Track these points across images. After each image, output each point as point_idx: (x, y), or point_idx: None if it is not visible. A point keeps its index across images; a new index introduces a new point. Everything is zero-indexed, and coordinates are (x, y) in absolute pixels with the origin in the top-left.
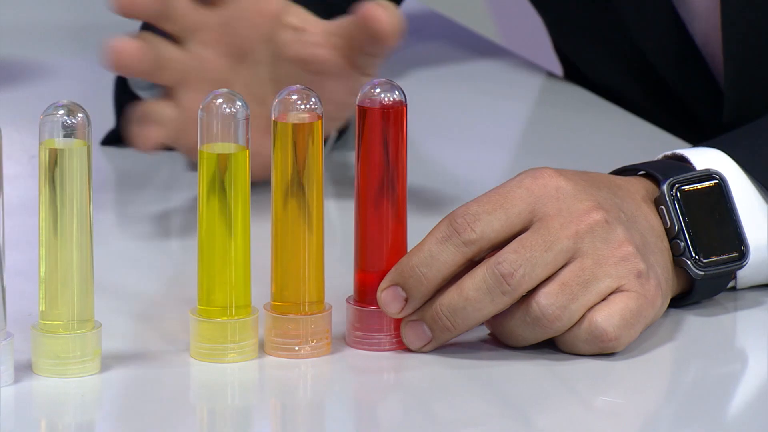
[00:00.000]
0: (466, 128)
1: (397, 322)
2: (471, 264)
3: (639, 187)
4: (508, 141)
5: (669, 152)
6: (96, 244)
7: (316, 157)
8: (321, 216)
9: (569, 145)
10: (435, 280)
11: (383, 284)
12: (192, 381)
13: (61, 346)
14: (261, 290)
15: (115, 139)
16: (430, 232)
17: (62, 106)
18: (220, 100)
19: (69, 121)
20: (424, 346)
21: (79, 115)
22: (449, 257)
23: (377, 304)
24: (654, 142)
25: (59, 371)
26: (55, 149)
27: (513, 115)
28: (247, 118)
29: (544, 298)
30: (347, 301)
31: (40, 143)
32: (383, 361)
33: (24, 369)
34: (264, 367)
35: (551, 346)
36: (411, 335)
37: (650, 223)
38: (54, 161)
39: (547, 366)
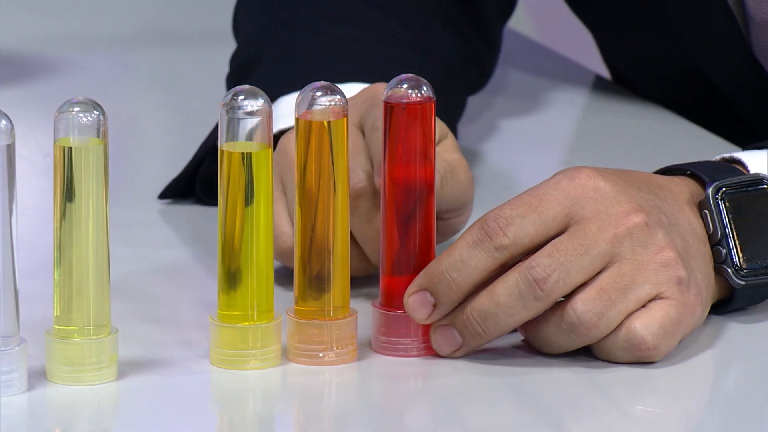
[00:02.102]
0: (513, 130)
1: (426, 327)
2: (503, 269)
3: (683, 188)
4: (556, 143)
5: (726, 155)
6: (112, 246)
7: (341, 156)
8: (346, 216)
9: (619, 149)
10: (465, 285)
11: (411, 289)
12: (212, 389)
13: (76, 353)
14: (284, 294)
15: (177, 191)
16: (461, 236)
17: (78, 103)
18: (241, 97)
19: (85, 119)
20: (455, 352)
21: (95, 112)
22: (480, 262)
23: (404, 309)
24: (708, 147)
25: (74, 378)
26: (71, 148)
27: (561, 118)
28: (269, 116)
29: (581, 305)
30: (373, 305)
31: (54, 141)
32: (411, 368)
33: (38, 376)
34: (287, 375)
35: (587, 353)
36: (441, 341)
37: (692, 226)
38: (69, 160)
39: (582, 373)
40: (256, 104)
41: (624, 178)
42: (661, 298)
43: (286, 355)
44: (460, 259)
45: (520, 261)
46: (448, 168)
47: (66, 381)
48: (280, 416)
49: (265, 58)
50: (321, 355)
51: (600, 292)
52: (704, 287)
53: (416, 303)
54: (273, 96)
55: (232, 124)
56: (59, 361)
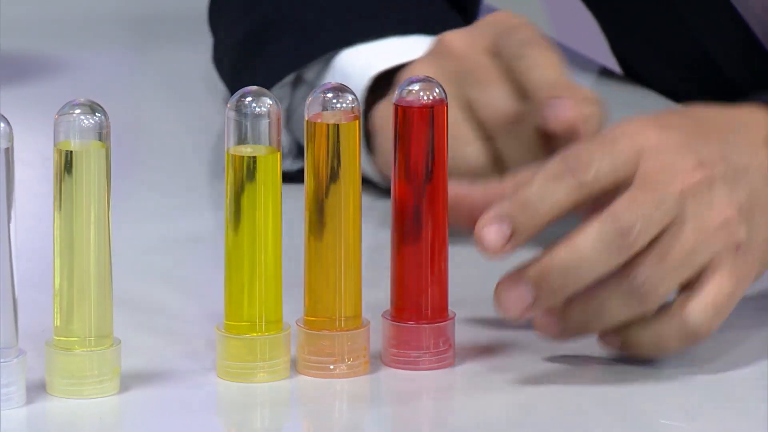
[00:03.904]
0: None
1: (437, 341)
2: (576, 209)
3: (764, 123)
4: None
5: None
6: (115, 253)
7: (353, 160)
8: (359, 222)
9: None
10: (546, 216)
11: (484, 221)
12: (218, 402)
13: (77, 365)
14: (294, 305)
15: None
16: (539, 171)
17: (79, 105)
18: (249, 98)
19: (86, 121)
20: (524, 311)
21: (97, 114)
22: (562, 196)
23: (415, 320)
24: None
25: (75, 391)
26: (71, 151)
27: None
28: (278, 118)
29: (643, 269)
30: (383, 316)
31: (54, 145)
32: (423, 382)
33: (37, 389)
34: (296, 388)
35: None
36: (511, 298)
37: (766, 172)
38: (70, 164)
39: (602, 386)
40: (264, 106)
41: (693, 127)
42: (715, 269)
43: (295, 367)
44: (542, 191)
45: (592, 208)
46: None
47: (67, 394)
48: (289, 431)
49: (290, 21)
50: (332, 367)
51: (660, 256)
52: (766, 248)
53: (492, 231)
54: (321, 51)
55: (239, 126)
56: (59, 374)
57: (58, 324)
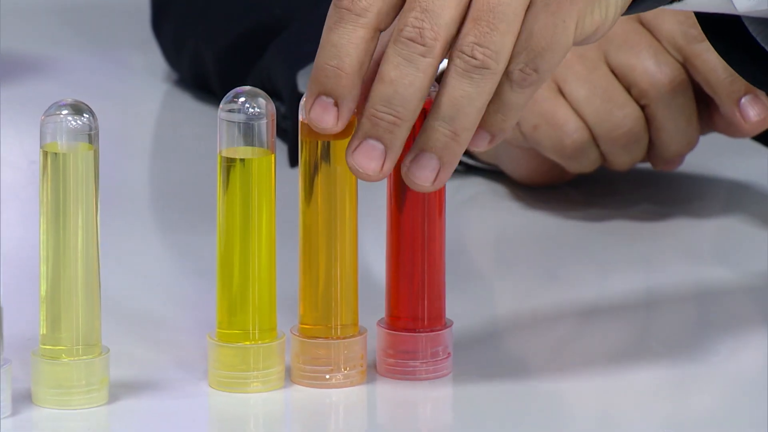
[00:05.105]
0: None
1: (434, 350)
2: (375, 42)
3: None
4: None
5: None
6: (103, 259)
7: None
8: (355, 226)
9: None
10: (351, 66)
11: (306, 103)
12: (210, 413)
13: (65, 374)
14: (288, 313)
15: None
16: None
17: (66, 106)
18: (242, 99)
19: (74, 122)
20: (382, 165)
21: (85, 115)
22: (351, 37)
23: (411, 328)
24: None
25: (62, 402)
26: (58, 153)
27: None
28: (272, 119)
29: (465, 45)
30: (378, 324)
31: (41, 147)
32: (420, 392)
33: (23, 399)
34: (291, 398)
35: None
36: (361, 158)
37: None
38: (57, 167)
39: (598, 391)
40: (258, 106)
41: None
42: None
43: (290, 376)
44: (331, 45)
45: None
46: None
47: (53, 404)
48: None
49: (306, 15)
50: (328, 377)
51: (474, 23)
52: None
53: (318, 112)
54: None
55: (232, 128)
56: (46, 384)
57: (45, 332)
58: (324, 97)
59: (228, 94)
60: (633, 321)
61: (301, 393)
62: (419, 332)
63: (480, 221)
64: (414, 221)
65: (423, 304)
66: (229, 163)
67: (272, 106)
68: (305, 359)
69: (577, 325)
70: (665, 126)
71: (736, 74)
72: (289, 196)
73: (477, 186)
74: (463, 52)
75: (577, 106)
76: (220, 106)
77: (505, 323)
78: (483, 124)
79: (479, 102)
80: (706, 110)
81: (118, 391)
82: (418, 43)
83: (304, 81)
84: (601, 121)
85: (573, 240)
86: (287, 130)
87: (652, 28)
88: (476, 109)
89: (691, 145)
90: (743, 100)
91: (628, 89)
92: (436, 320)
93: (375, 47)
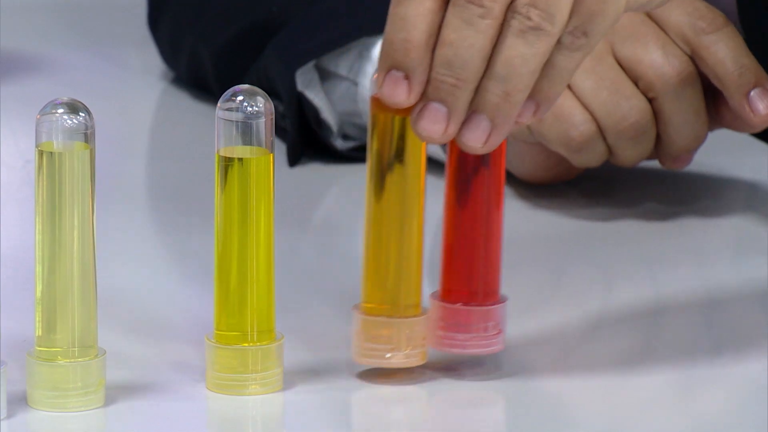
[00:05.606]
0: None
1: (488, 321)
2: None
3: None
4: None
5: None
6: (99, 260)
7: (418, 140)
8: (422, 202)
9: None
10: (420, 39)
11: (378, 80)
12: (209, 416)
13: (61, 376)
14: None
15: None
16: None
17: (62, 104)
18: (240, 98)
19: (70, 121)
20: (446, 127)
21: (81, 114)
22: (418, 9)
23: (464, 301)
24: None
25: (58, 404)
26: (54, 153)
27: None
28: (271, 118)
29: (521, 4)
30: (431, 296)
31: (36, 146)
32: (424, 393)
33: (18, 401)
34: (289, 400)
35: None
36: (426, 121)
37: None
38: (52, 166)
39: (599, 392)
40: (257, 105)
41: None
42: None
43: (352, 355)
44: (397, 18)
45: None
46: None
47: (49, 407)
48: None
49: (305, 13)
50: (388, 355)
51: None
52: None
53: (390, 86)
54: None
55: (230, 127)
56: (42, 386)
57: (40, 333)
58: (394, 72)
59: (226, 93)
60: (639, 323)
61: (300, 396)
62: (472, 306)
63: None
64: (476, 196)
65: (477, 278)
66: (227, 163)
67: (271, 105)
68: (367, 337)
69: (583, 326)
70: (673, 119)
71: (745, 66)
72: (287, 196)
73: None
74: (519, 13)
75: (584, 98)
76: (218, 104)
77: (509, 324)
78: (530, 92)
79: (533, 63)
80: (714, 104)
81: (114, 393)
82: (476, 4)
83: (302, 80)
84: (608, 113)
85: (579, 240)
86: (286, 129)
87: (660, 20)
88: (530, 71)
89: (700, 139)
90: (752, 93)
91: (635, 82)
92: (490, 295)
93: (442, 17)
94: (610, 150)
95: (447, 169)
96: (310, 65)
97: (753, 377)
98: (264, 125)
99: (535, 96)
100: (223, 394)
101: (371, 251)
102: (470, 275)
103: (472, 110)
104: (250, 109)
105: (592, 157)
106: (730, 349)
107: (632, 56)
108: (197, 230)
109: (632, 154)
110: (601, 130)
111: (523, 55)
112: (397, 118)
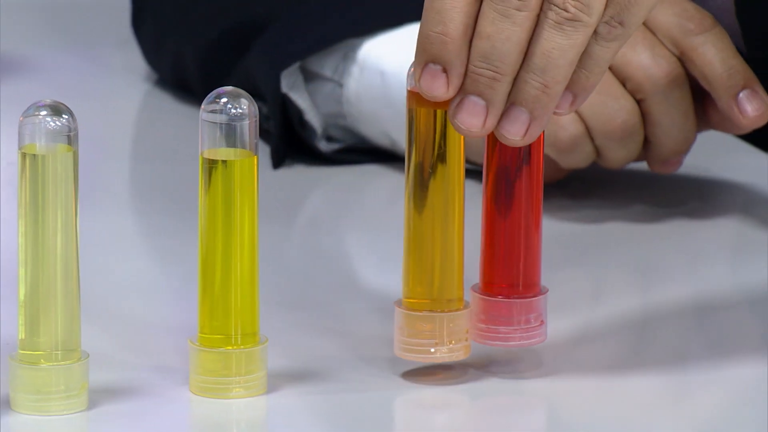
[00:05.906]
0: None
1: (526, 315)
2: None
3: None
4: None
5: None
6: (82, 263)
7: (459, 137)
8: (462, 199)
9: None
10: (456, 32)
11: (416, 74)
12: (192, 419)
13: (43, 380)
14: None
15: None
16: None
17: (45, 106)
18: (224, 99)
19: (53, 124)
20: (483, 122)
21: (64, 116)
22: (453, 2)
23: (505, 294)
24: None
25: (41, 408)
26: (37, 155)
27: None
28: (255, 120)
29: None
30: (472, 289)
31: (19, 148)
32: (427, 396)
33: (1, 405)
34: (273, 404)
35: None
36: (464, 114)
37: None
38: (35, 169)
39: (600, 392)
40: (241, 107)
41: None
42: None
43: (394, 351)
44: (432, 12)
45: None
46: None
47: (32, 410)
48: None
49: (290, 13)
50: (433, 350)
51: None
52: None
53: (428, 80)
54: (329, 41)
55: (214, 129)
56: (24, 389)
57: (23, 337)
58: (432, 65)
59: (210, 95)
60: (628, 327)
61: (284, 399)
62: (513, 299)
63: (473, 224)
64: (518, 190)
65: (518, 270)
66: (211, 165)
67: (255, 107)
68: (410, 332)
69: (572, 330)
70: (661, 121)
71: (734, 68)
72: (271, 198)
73: (469, 188)
74: (555, 5)
75: None
76: (202, 106)
77: None
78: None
79: (571, 54)
80: (702, 106)
81: (97, 396)
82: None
83: (287, 81)
84: (596, 113)
85: (566, 242)
86: (270, 131)
87: (648, 21)
88: (568, 62)
89: (688, 141)
90: (741, 94)
91: (624, 83)
92: (531, 287)
93: (478, 9)
94: (597, 151)
95: (486, 163)
96: (295, 67)
97: (745, 381)
98: (248, 127)
99: (572, 87)
100: (207, 397)
101: (413, 247)
102: (511, 267)
103: (511, 103)
104: (234, 111)
105: (579, 158)
106: (720, 352)
107: (620, 57)
108: (181, 233)
109: (620, 155)
110: (588, 131)
111: (560, 46)
112: (439, 120)
